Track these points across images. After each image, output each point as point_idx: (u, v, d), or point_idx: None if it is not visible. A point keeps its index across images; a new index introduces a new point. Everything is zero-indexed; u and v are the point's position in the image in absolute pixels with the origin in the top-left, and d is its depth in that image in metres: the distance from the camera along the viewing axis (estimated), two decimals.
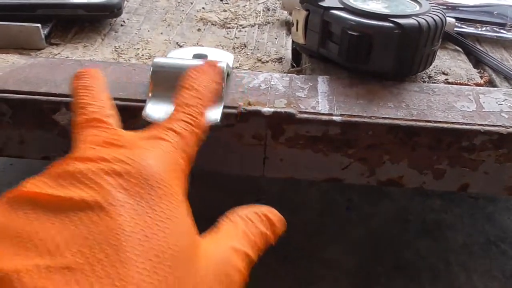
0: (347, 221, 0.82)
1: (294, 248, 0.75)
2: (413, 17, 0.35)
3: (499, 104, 0.35)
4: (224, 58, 0.38)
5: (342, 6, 0.37)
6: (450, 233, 0.81)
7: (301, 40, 0.40)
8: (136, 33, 0.45)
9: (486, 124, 0.33)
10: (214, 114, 0.32)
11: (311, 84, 0.36)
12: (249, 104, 0.33)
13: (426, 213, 0.86)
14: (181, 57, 0.38)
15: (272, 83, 0.36)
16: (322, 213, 0.84)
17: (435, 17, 0.35)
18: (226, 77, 0.34)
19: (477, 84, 0.39)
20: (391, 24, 0.34)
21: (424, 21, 0.34)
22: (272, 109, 0.33)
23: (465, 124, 0.33)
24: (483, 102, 0.35)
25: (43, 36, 0.40)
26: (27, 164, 0.83)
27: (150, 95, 0.33)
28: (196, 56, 0.38)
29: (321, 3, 0.37)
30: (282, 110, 0.33)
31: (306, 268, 0.72)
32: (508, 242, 0.81)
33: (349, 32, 0.35)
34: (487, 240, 0.81)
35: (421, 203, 0.88)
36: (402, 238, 0.79)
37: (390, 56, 0.35)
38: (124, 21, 0.47)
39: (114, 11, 0.43)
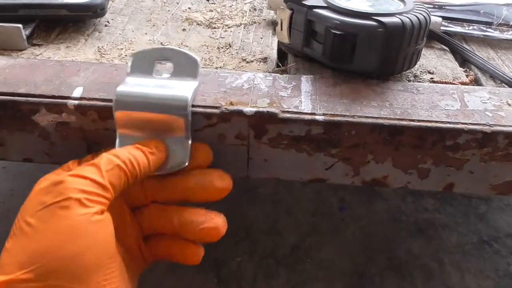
0: (340, 221, 0.82)
1: (287, 248, 0.75)
2: (397, 15, 0.34)
3: (483, 102, 0.34)
4: (188, 61, 0.34)
5: (326, 5, 0.36)
6: (443, 232, 0.81)
7: (285, 40, 0.40)
8: (120, 34, 0.45)
9: (470, 123, 0.32)
10: (180, 155, 0.31)
11: (295, 84, 0.36)
12: (231, 103, 0.33)
13: (419, 212, 0.85)
14: (142, 65, 0.34)
15: (255, 82, 0.36)
16: (315, 213, 0.83)
17: (419, 16, 0.35)
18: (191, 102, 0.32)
19: (463, 83, 0.38)
20: (374, 23, 0.34)
21: (407, 19, 0.34)
22: (254, 109, 0.32)
23: (449, 123, 0.32)
24: (468, 101, 0.34)
25: (24, 36, 0.39)
26: (19, 166, 0.83)
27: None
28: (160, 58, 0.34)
29: (305, 2, 0.37)
30: (265, 109, 0.32)
31: (300, 268, 0.72)
32: (501, 241, 0.80)
33: (333, 31, 0.35)
34: (480, 239, 0.80)
35: (414, 202, 0.87)
36: (395, 238, 0.79)
37: (374, 55, 0.35)
38: (108, 21, 0.46)
39: (97, 11, 0.43)
